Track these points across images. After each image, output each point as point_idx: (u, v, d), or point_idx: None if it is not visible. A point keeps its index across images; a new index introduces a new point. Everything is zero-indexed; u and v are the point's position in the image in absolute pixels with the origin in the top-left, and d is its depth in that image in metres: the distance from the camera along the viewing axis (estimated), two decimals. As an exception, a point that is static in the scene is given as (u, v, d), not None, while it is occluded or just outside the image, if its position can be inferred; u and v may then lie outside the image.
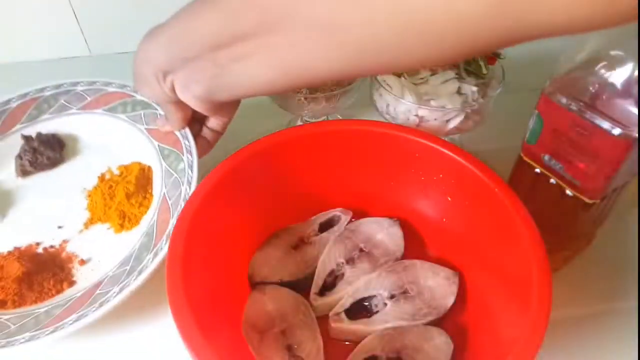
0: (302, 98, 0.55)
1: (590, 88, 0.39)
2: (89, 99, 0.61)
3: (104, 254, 0.51)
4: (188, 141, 0.51)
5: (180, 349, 0.33)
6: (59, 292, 0.48)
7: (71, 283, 0.49)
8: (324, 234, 0.49)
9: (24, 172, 0.59)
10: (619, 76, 0.37)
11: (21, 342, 0.41)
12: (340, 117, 0.66)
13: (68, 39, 0.78)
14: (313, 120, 0.64)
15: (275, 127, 0.66)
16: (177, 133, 0.52)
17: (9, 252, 0.51)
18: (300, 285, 0.45)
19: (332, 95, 0.56)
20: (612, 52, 0.37)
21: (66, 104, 0.62)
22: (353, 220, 0.50)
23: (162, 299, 0.35)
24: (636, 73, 0.36)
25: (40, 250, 0.52)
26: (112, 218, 0.53)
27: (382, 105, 0.56)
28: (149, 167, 0.56)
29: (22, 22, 0.75)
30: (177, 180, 0.50)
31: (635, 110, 0.37)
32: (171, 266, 0.37)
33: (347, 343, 0.43)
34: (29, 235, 0.53)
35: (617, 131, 0.37)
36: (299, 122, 0.66)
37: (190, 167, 0.49)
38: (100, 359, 0.45)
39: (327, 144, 0.48)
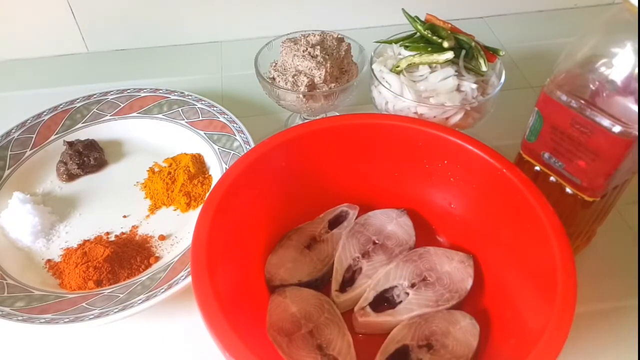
0: (301, 96, 0.55)
1: (591, 85, 0.39)
2: (121, 105, 0.65)
3: (178, 231, 0.55)
4: (236, 123, 0.60)
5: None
6: (147, 267, 0.51)
7: (157, 258, 0.52)
8: (335, 231, 0.49)
9: (70, 177, 0.60)
10: (619, 74, 0.37)
11: (139, 303, 0.45)
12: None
13: (65, 36, 0.78)
14: (312, 118, 0.64)
15: (274, 124, 0.66)
16: (223, 119, 0.61)
17: (86, 241, 0.54)
18: (318, 284, 0.46)
19: (331, 93, 0.56)
20: (613, 50, 0.37)
21: (99, 112, 0.65)
22: (360, 214, 0.51)
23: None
24: (636, 71, 0.36)
25: (112, 238, 0.54)
26: (177, 200, 0.57)
27: (381, 102, 0.55)
28: (199, 154, 0.61)
29: (20, 19, 0.75)
30: (237, 155, 0.57)
31: (636, 108, 0.37)
32: (196, 264, 0.37)
33: (360, 336, 0.43)
34: (97, 229, 0.55)
35: (617, 129, 0.37)
36: (298, 120, 0.66)
37: (247, 142, 0.58)
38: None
39: (329, 140, 0.48)
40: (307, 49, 0.56)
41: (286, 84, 0.56)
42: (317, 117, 0.63)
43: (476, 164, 0.44)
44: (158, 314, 0.48)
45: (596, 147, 0.39)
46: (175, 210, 0.57)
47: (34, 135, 0.62)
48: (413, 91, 0.52)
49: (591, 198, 0.42)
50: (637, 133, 0.37)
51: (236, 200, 0.43)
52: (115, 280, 0.49)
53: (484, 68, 0.54)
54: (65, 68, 0.78)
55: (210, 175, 0.59)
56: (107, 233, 0.54)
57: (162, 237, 0.54)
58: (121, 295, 0.47)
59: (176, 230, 0.55)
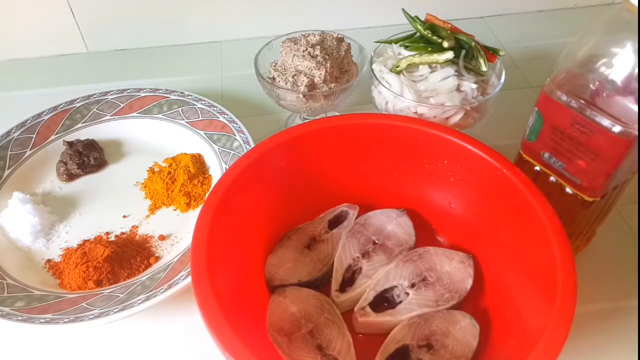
0: (301, 96, 0.55)
1: (591, 85, 0.39)
2: (121, 105, 0.65)
3: (178, 231, 0.55)
4: (236, 123, 0.60)
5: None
6: (147, 267, 0.51)
7: (157, 258, 0.52)
8: (335, 231, 0.49)
9: (70, 177, 0.60)
10: (619, 74, 0.37)
11: (139, 303, 0.45)
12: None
13: (65, 36, 0.78)
14: (312, 118, 0.64)
15: (274, 124, 0.66)
16: (223, 119, 0.61)
17: (86, 240, 0.54)
18: (318, 284, 0.46)
19: (331, 93, 0.56)
20: (613, 50, 0.37)
21: (99, 112, 0.65)
22: (360, 214, 0.51)
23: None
24: (636, 71, 0.36)
25: (112, 238, 0.54)
26: (177, 200, 0.57)
27: (381, 102, 0.55)
28: (199, 154, 0.61)
29: (20, 19, 0.75)
30: (236, 155, 0.57)
31: (636, 108, 0.37)
32: (196, 264, 0.37)
33: (360, 336, 0.43)
34: (97, 229, 0.55)
35: (617, 129, 0.37)
36: (298, 120, 0.66)
37: (247, 142, 0.58)
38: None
39: (329, 140, 0.48)
40: (307, 49, 0.56)
41: (286, 84, 0.56)
42: (317, 117, 0.63)
43: (476, 164, 0.44)
44: (158, 314, 0.48)
45: (596, 147, 0.39)
46: (175, 210, 0.57)
47: (34, 135, 0.62)
48: (413, 91, 0.52)
49: (591, 198, 0.42)
50: (637, 133, 0.37)
51: (236, 200, 0.43)
52: (115, 280, 0.49)
53: (484, 68, 0.54)
54: (65, 68, 0.78)
55: (210, 175, 0.59)
56: (107, 233, 0.54)
57: (162, 237, 0.54)
58: (121, 295, 0.47)
59: (176, 230, 0.55)
